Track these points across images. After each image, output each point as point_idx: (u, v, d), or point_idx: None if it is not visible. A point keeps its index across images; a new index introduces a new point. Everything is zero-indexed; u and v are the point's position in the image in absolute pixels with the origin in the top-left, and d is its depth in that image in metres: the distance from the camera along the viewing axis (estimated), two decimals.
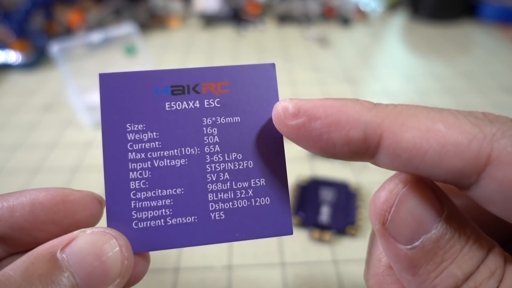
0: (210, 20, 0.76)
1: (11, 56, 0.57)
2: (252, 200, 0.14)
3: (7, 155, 0.40)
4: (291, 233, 0.14)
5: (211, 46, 0.67)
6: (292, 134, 0.12)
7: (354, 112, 0.11)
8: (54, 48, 0.42)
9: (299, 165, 0.37)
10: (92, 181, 0.36)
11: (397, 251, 0.11)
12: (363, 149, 0.11)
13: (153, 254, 0.28)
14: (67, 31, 0.64)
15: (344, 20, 0.75)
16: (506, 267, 0.10)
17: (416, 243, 0.11)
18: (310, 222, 0.30)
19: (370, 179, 0.35)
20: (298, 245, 0.29)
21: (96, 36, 0.46)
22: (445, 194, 0.11)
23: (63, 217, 0.13)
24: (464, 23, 0.75)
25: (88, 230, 0.12)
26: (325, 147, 0.12)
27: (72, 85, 0.44)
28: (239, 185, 0.14)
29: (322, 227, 0.29)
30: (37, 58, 0.59)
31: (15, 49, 0.57)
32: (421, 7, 0.76)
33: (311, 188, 0.33)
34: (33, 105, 0.50)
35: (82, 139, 0.43)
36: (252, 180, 0.14)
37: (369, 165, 0.36)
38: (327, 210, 0.31)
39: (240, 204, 0.14)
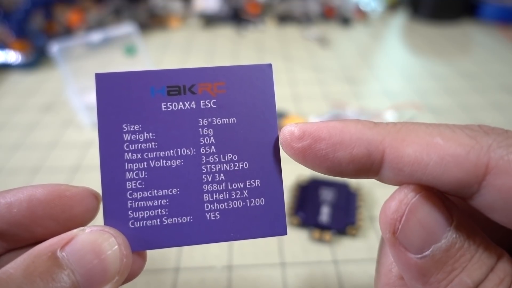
0: (210, 20, 0.76)
1: (11, 56, 0.57)
2: (247, 200, 0.14)
3: (7, 155, 0.40)
4: (285, 234, 0.14)
5: (211, 46, 0.67)
6: (299, 156, 0.13)
7: (356, 131, 0.12)
8: (54, 48, 0.42)
9: (299, 165, 0.37)
10: (92, 181, 0.36)
11: (407, 260, 0.11)
12: (368, 166, 0.12)
13: (153, 254, 0.28)
14: (67, 31, 0.64)
15: (344, 20, 0.75)
16: None
17: (426, 252, 0.11)
18: (310, 222, 0.30)
19: (370, 179, 0.35)
20: (298, 245, 0.29)
21: (96, 36, 0.46)
22: (454, 204, 0.11)
23: (60, 212, 0.13)
24: (464, 23, 0.75)
25: (87, 229, 0.12)
26: (331, 166, 0.12)
27: (72, 85, 0.44)
28: (235, 186, 0.14)
29: (322, 227, 0.29)
30: (37, 58, 0.59)
31: (15, 49, 0.57)
32: (421, 7, 0.76)
33: (311, 188, 0.33)
34: (33, 105, 0.50)
35: (82, 139, 0.43)
36: (247, 181, 0.14)
37: None
38: (327, 210, 0.31)
39: (235, 205, 0.14)
